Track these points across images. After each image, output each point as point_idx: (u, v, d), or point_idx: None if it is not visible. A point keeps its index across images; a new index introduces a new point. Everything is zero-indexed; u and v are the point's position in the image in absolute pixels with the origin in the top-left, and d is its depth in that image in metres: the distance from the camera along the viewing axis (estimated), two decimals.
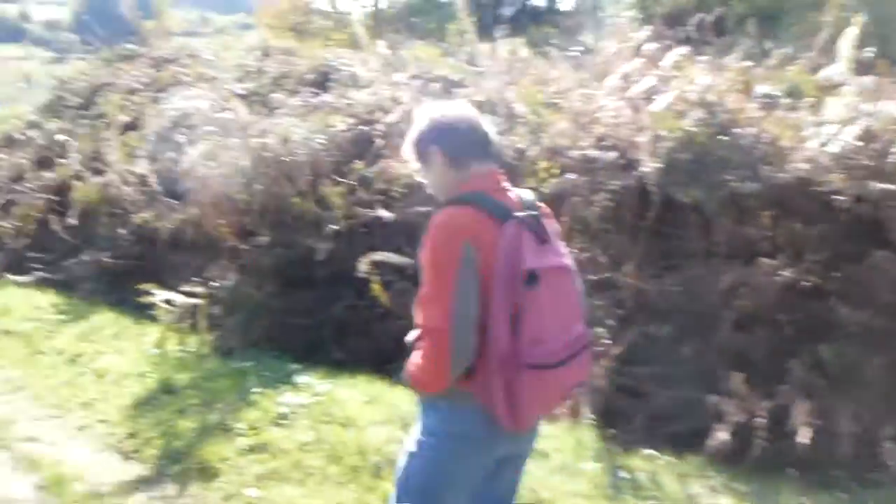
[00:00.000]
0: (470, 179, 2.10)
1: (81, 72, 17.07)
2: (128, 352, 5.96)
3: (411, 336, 2.12)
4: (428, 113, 2.17)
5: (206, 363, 5.48)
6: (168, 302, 6.00)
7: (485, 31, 14.17)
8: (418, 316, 2.03)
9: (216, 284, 6.04)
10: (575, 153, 4.98)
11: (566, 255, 2.16)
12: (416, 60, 8.52)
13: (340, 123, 6.95)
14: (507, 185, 2.16)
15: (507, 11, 25.71)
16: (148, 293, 6.13)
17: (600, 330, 4.55)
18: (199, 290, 5.98)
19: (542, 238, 2.01)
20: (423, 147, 2.14)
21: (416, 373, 2.02)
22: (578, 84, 5.82)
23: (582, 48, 8.78)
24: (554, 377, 2.03)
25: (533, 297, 1.94)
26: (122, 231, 8.06)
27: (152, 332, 6.34)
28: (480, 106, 6.22)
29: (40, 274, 8.66)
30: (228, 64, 10.84)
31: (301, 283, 5.85)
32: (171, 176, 8.22)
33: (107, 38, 18.37)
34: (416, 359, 2.03)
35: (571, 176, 4.94)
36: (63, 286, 8.72)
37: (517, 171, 5.40)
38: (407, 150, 2.20)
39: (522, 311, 1.92)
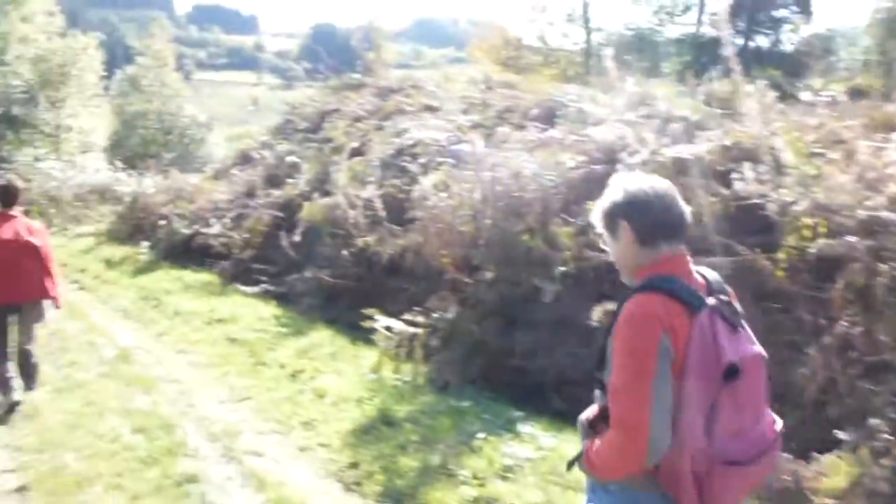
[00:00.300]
0: (659, 261, 1.99)
1: (310, 98, 18.28)
2: (345, 373, 5.99)
3: (587, 415, 2.07)
4: (622, 183, 2.05)
5: (423, 395, 5.35)
6: (388, 329, 5.98)
7: (703, 71, 13.50)
8: (612, 404, 1.91)
9: (436, 315, 5.92)
10: (860, 213, 4.32)
11: (756, 341, 2.02)
12: (652, 98, 8.11)
13: (570, 161, 6.69)
14: (692, 266, 2.04)
15: (727, 51, 24.29)
16: (370, 317, 6.15)
17: (877, 422, 3.87)
18: (419, 319, 5.90)
19: (734, 325, 1.92)
20: (612, 218, 2.05)
21: (601, 461, 1.94)
22: (861, 134, 5.11)
23: (814, 91, 8.03)
24: (745, 473, 1.92)
25: (732, 391, 1.85)
26: (344, 252, 8.21)
27: (368, 356, 6.35)
28: (732, 151, 5.70)
29: (265, 286, 8.98)
30: (453, 95, 10.96)
31: (523, 324, 5.60)
32: (395, 202, 8.38)
33: (331, 68, 19.63)
34: (600, 446, 1.94)
35: (851, 238, 4.30)
36: (283, 299, 9.14)
37: (777, 226, 4.84)
38: (596, 216, 2.12)
39: (720, 405, 1.84)
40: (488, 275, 5.82)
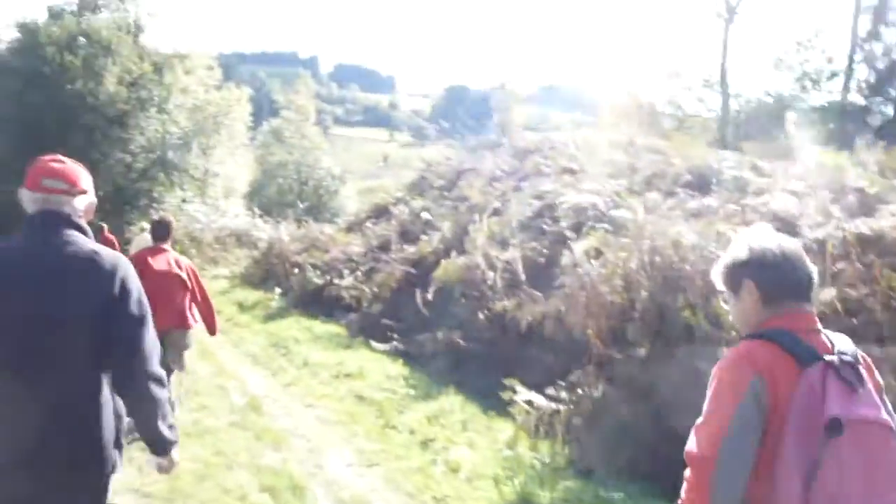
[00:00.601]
0: (778, 316, 1.91)
1: (445, 156, 18.45)
2: (479, 446, 5.61)
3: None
4: (747, 241, 2.00)
5: (565, 480, 4.88)
6: (528, 402, 5.56)
7: (849, 141, 12.51)
8: (690, 439, 1.86)
9: (580, 392, 5.46)
10: None
11: (888, 412, 1.82)
12: (822, 167, 7.47)
13: (732, 231, 6.14)
14: (819, 327, 1.92)
15: (876, 119, 22.88)
16: (507, 387, 5.77)
17: None
18: (562, 395, 5.46)
19: (854, 387, 1.76)
20: (735, 276, 2.00)
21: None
22: None
23: None
24: None
25: (834, 450, 1.70)
26: (479, 315, 7.89)
27: (502, 428, 5.95)
28: None
29: (396, 344, 8.78)
30: (596, 158, 10.59)
31: (681, 408, 5.03)
32: (534, 265, 8.04)
33: (460, 129, 19.84)
34: (683, 493, 1.86)
35: None
36: (410, 357, 8.91)
37: None
38: (718, 274, 2.07)
39: (820, 465, 1.70)
40: (641, 351, 5.31)
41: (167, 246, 5.83)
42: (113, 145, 25.80)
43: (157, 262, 5.56)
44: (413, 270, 11.26)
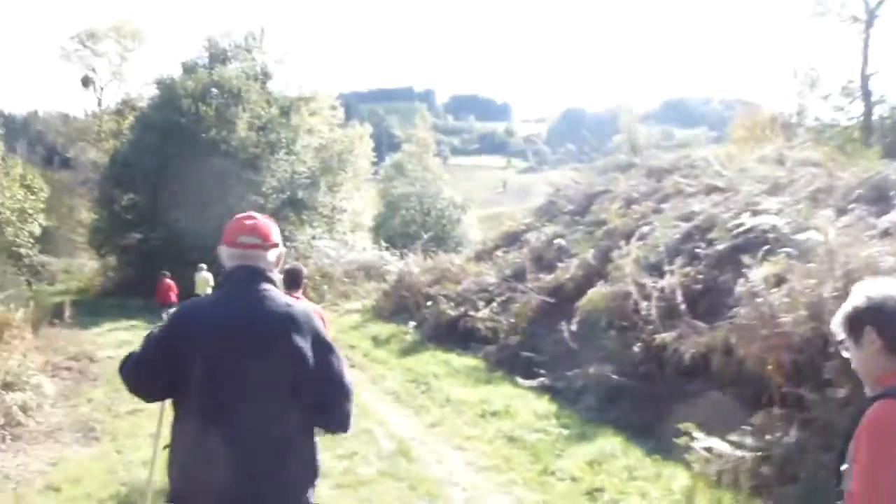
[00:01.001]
0: None
1: (573, 180, 17.92)
2: (651, 497, 5.07)
3: None
4: (864, 290, 1.98)
5: None
6: (708, 449, 4.99)
7: None
8: None
9: (768, 438, 4.83)
10: None
11: None
12: None
13: None
14: None
15: None
16: (686, 433, 5.21)
17: None
18: (746, 440, 4.85)
19: None
20: (857, 325, 1.95)
21: None
22: None
23: None
24: None
25: None
26: (635, 347, 7.35)
27: (673, 475, 5.39)
28: None
29: (543, 379, 8.33)
30: (748, 175, 9.82)
31: None
32: (689, 293, 7.43)
33: (577, 153, 19.29)
34: None
35: None
36: (555, 392, 8.45)
37: None
38: (837, 323, 2.04)
39: None
40: (840, 392, 4.63)
41: (299, 294, 5.66)
42: (246, 188, 26.92)
43: None
44: (551, 300, 10.82)
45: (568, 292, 10.68)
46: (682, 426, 5.27)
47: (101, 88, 46.13)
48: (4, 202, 22.24)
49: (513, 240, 16.29)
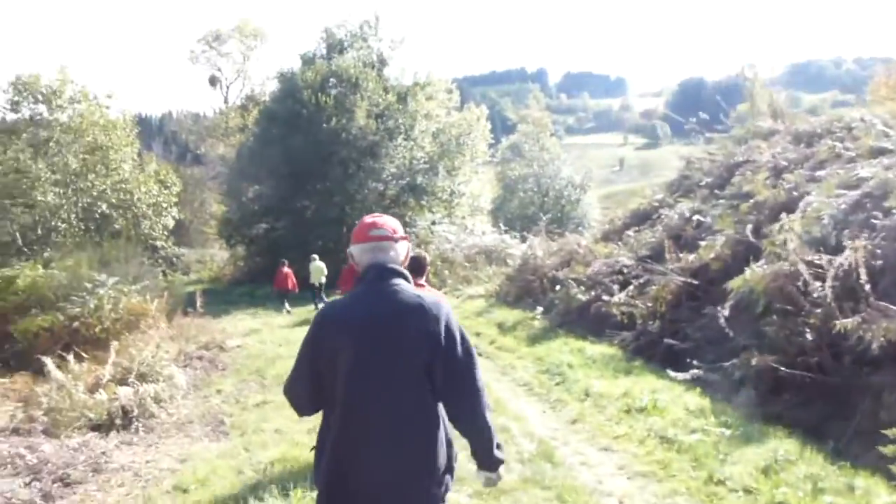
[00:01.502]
0: None
1: (708, 152, 16.68)
2: None
3: None
4: None
5: None
6: None
7: None
8: None
9: None
10: None
11: None
12: None
13: None
14: None
15: None
16: (883, 441, 4.36)
17: None
18: None
19: None
20: None
21: None
22: None
23: None
24: None
25: None
26: (807, 335, 6.42)
27: (868, 489, 4.54)
28: None
29: (697, 371, 7.50)
30: None
31: None
32: (872, 271, 6.42)
33: (702, 122, 17.86)
34: None
35: None
36: (703, 384, 7.62)
37: None
38: None
39: None
40: None
41: (423, 282, 5.67)
42: (367, 176, 27.07)
43: None
44: (694, 281, 9.92)
45: (713, 273, 9.76)
46: (893, 433, 4.39)
47: (227, 87, 48.04)
48: (141, 197, 23.31)
49: (643, 217, 15.32)
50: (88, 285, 13.14)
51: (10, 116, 22.07)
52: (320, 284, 19.83)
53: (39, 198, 20.72)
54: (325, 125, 26.76)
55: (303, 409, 2.77)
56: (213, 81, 48.79)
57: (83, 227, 21.52)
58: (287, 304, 19.59)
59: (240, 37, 46.45)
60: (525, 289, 16.22)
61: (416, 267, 5.59)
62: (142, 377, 8.87)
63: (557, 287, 13.73)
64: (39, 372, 11.41)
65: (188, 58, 47.38)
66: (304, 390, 2.69)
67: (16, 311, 13.30)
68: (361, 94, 27.55)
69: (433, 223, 25.93)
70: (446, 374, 2.55)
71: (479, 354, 9.39)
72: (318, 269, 19.74)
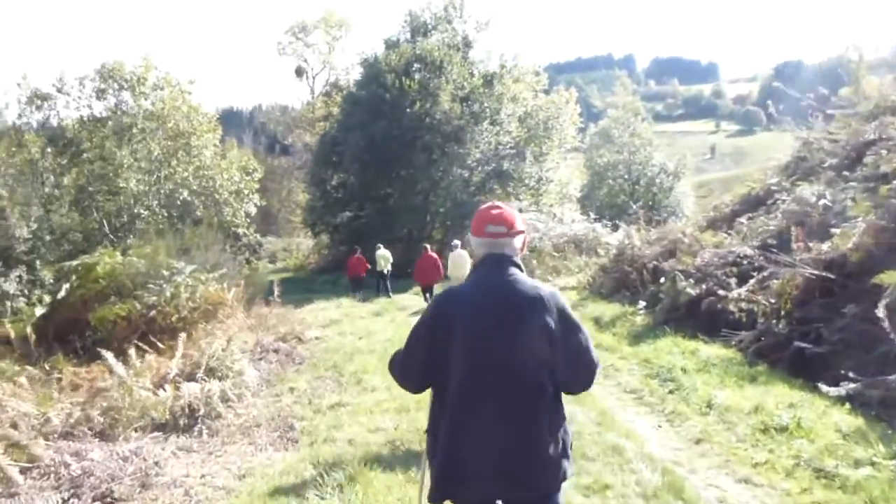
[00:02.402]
0: None
1: (828, 131, 15.04)
2: None
3: None
4: None
5: None
6: None
7: None
8: None
9: None
10: None
11: None
12: None
13: None
14: None
15: None
16: None
17: None
18: None
19: None
20: None
21: None
22: None
23: None
24: None
25: None
26: None
27: None
28: None
29: (855, 387, 6.26)
30: None
31: None
32: None
33: (819, 100, 16.18)
34: None
35: None
36: (851, 399, 6.37)
37: None
38: None
39: None
40: None
41: None
42: (451, 161, 26.18)
43: None
44: (829, 275, 8.58)
45: (852, 265, 8.42)
46: None
47: (313, 77, 48.15)
48: (223, 184, 23.12)
49: (755, 203, 13.90)
50: (165, 273, 12.75)
51: (97, 106, 22.20)
52: (386, 272, 19.82)
53: (122, 185, 20.77)
54: (408, 110, 26.02)
55: (410, 387, 2.82)
56: (299, 72, 49.15)
57: (166, 215, 21.47)
58: (360, 292, 19.83)
59: (325, 27, 46.60)
60: (621, 280, 15.01)
61: None
62: (211, 372, 8.25)
63: (661, 280, 12.49)
64: (122, 361, 11.10)
65: (276, 50, 47.87)
66: (415, 371, 2.74)
67: (96, 298, 13.04)
68: (446, 77, 26.68)
69: (520, 211, 24.85)
70: (566, 362, 2.59)
71: None
72: (384, 257, 19.72)
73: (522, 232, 2.81)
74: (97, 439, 6.20)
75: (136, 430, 6.50)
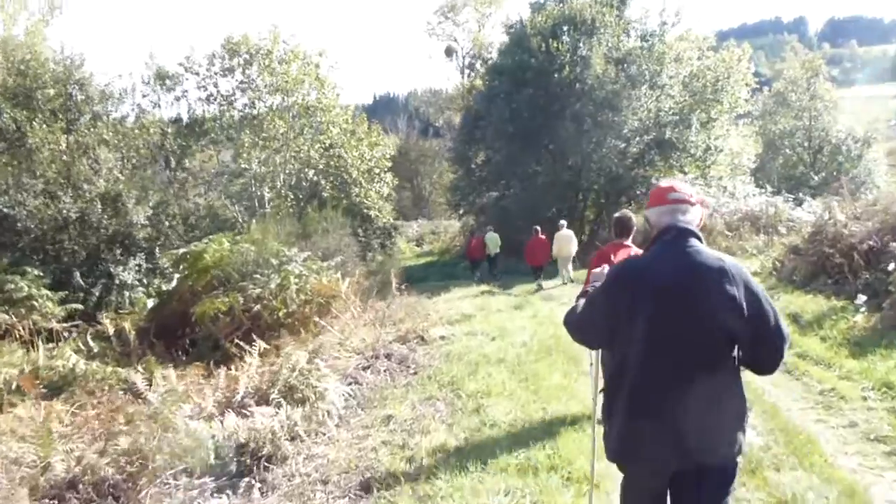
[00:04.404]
0: None
1: None
2: None
3: None
4: None
5: None
6: None
7: None
8: None
9: None
10: None
11: None
12: None
13: None
14: None
15: None
16: None
17: None
18: None
19: None
20: None
21: None
22: None
23: None
24: None
25: None
26: None
27: None
28: None
29: None
30: None
31: None
32: None
33: None
34: None
35: None
36: None
37: None
38: None
39: None
40: None
41: (629, 242, 5.65)
42: (605, 132, 23.36)
43: (618, 259, 5.04)
44: None
45: None
46: None
47: (463, 57, 46.45)
48: (353, 163, 21.64)
49: None
50: (274, 262, 11.30)
51: (223, 84, 21.26)
52: (495, 255, 20.34)
53: (244, 165, 19.76)
54: (556, 75, 23.42)
55: (587, 343, 3.04)
56: (448, 52, 47.69)
57: (292, 196, 20.30)
58: (478, 273, 20.54)
59: (475, 4, 44.62)
60: (819, 265, 12.02)
61: (620, 228, 5.71)
62: (290, 391, 6.50)
63: (882, 265, 9.53)
64: (223, 360, 9.71)
65: (425, 31, 46.63)
66: (594, 335, 2.84)
67: (204, 290, 11.86)
68: (599, 38, 23.84)
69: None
70: (755, 339, 2.50)
71: None
72: (493, 239, 20.26)
73: (702, 202, 2.83)
74: (109, 497, 4.54)
75: (169, 479, 4.80)
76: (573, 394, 6.50)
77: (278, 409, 6.06)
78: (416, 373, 8.18)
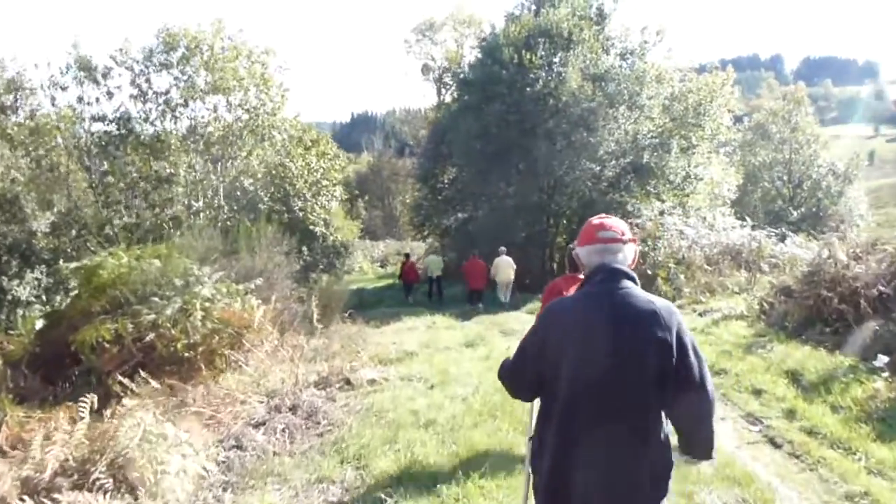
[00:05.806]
0: None
1: None
2: None
3: None
4: None
5: None
6: None
7: None
8: None
9: None
10: None
11: None
12: None
13: None
14: None
15: None
16: None
17: None
18: None
19: None
20: None
21: None
22: None
23: None
24: None
25: None
26: None
27: None
28: None
29: None
30: None
31: None
32: None
33: None
34: None
35: None
36: None
37: None
38: None
39: None
40: None
41: (583, 275, 3.96)
42: (579, 153, 21.79)
43: (569, 293, 4.31)
44: None
45: None
46: None
47: (440, 75, 45.01)
48: (298, 172, 19.68)
49: None
50: (178, 282, 9.45)
51: (159, 82, 19.07)
52: (437, 278, 20.96)
53: (170, 170, 17.59)
54: (529, 89, 21.84)
55: (521, 398, 2.82)
56: (425, 70, 46.39)
57: (227, 208, 18.28)
58: (411, 298, 21.16)
59: (453, 24, 43.40)
60: (815, 309, 10.52)
61: (573, 260, 4.59)
62: (123, 467, 4.69)
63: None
64: (105, 400, 7.90)
65: (403, 49, 45.42)
66: (526, 383, 2.69)
67: (101, 312, 9.99)
68: (575, 52, 22.35)
69: (662, 213, 20.15)
70: (679, 385, 2.42)
71: (765, 436, 6.06)
72: (435, 262, 21.39)
73: (635, 241, 2.70)
74: None
75: None
76: (512, 486, 4.74)
77: (100, 498, 4.27)
78: (322, 434, 6.40)
